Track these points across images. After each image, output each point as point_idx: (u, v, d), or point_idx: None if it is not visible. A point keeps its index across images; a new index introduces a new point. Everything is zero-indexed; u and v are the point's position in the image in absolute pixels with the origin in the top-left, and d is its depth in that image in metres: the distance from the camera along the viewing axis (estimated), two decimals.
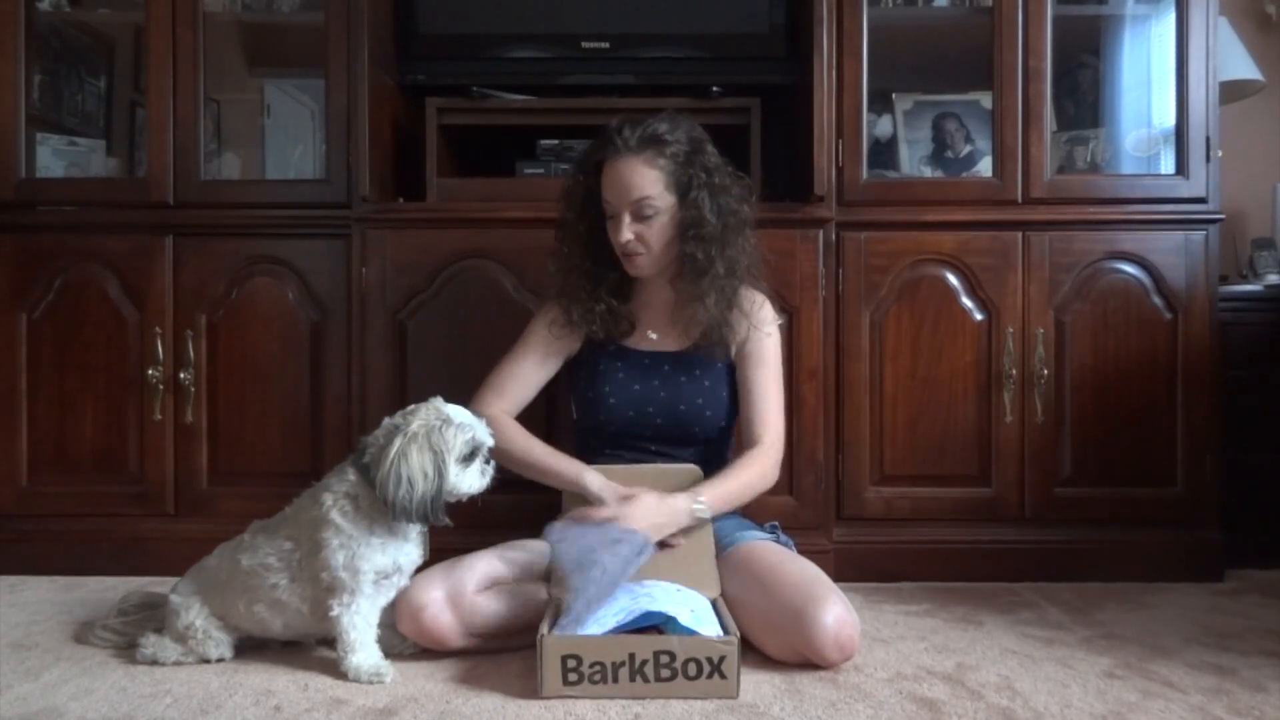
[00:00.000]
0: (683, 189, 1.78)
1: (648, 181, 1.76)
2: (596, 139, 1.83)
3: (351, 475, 1.58)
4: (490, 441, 1.62)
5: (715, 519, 1.76)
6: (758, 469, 1.80)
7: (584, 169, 1.85)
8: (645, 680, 1.45)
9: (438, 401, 1.61)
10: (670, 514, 1.68)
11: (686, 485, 1.75)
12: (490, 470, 1.62)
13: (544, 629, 1.49)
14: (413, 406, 1.61)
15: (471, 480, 1.59)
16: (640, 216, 1.77)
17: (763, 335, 1.85)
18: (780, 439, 1.86)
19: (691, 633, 1.47)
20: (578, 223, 1.86)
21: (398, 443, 1.54)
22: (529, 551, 1.77)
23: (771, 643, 1.62)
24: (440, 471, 1.54)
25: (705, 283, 1.78)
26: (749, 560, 1.71)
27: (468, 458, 1.58)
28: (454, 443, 1.56)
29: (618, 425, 1.84)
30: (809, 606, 1.56)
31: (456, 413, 1.60)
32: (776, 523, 1.94)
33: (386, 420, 1.60)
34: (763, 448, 1.81)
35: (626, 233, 1.77)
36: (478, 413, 1.78)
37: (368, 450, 1.58)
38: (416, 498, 1.52)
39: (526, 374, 1.89)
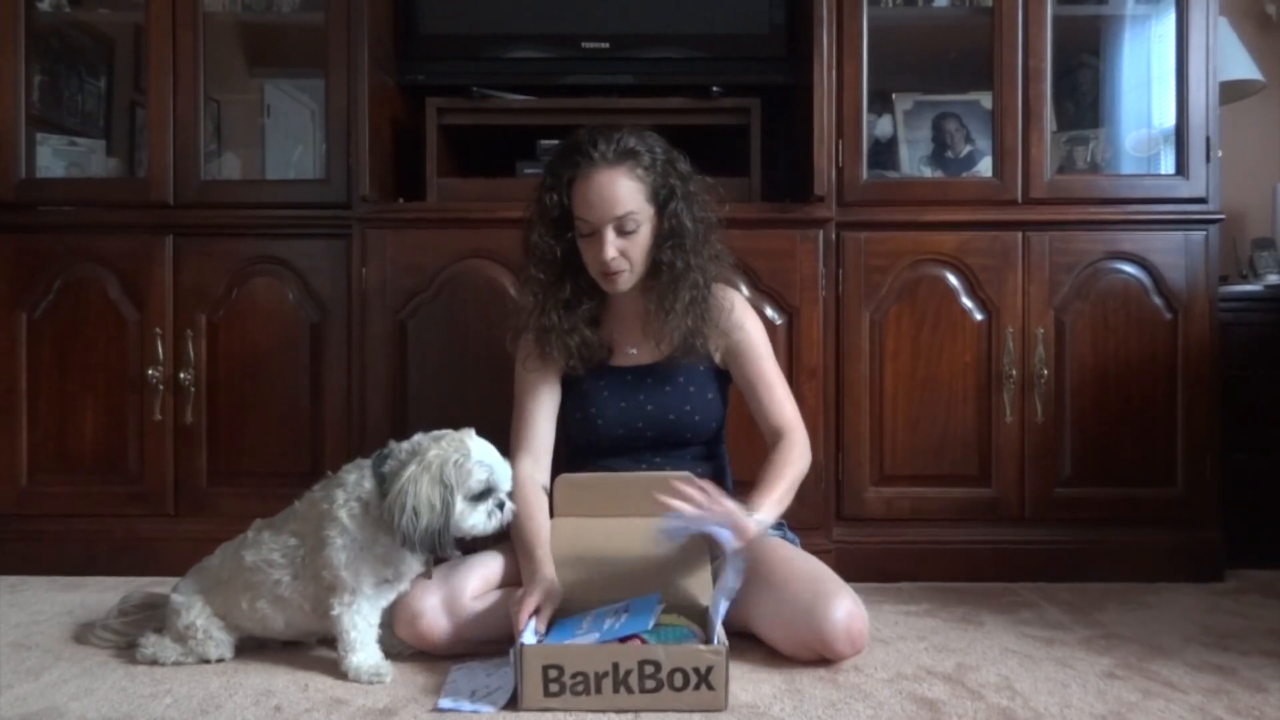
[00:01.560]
0: (662, 200, 1.73)
1: (629, 194, 1.69)
2: (564, 153, 1.75)
3: (368, 482, 1.57)
4: (506, 486, 1.59)
5: None
6: (795, 458, 1.77)
7: (556, 186, 1.74)
8: (630, 691, 1.40)
9: (467, 433, 1.58)
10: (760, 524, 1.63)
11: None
12: (500, 515, 1.57)
13: (524, 638, 1.45)
14: (443, 432, 1.58)
15: (476, 520, 1.54)
16: (623, 231, 1.70)
17: (743, 334, 1.81)
18: (799, 420, 1.83)
19: (684, 636, 1.45)
20: (553, 245, 1.76)
21: (411, 469, 1.51)
22: None
23: (781, 638, 1.62)
24: (448, 505, 1.51)
25: (682, 290, 1.73)
26: (757, 557, 1.68)
27: (479, 496, 1.54)
28: (468, 479, 1.53)
29: (610, 442, 1.83)
30: (819, 601, 1.56)
31: (480, 449, 1.56)
32: (781, 520, 1.93)
33: (418, 436, 1.58)
34: (790, 436, 1.79)
35: (610, 249, 1.69)
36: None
37: (389, 459, 1.57)
38: (420, 529, 1.49)
39: (540, 418, 1.83)
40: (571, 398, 1.86)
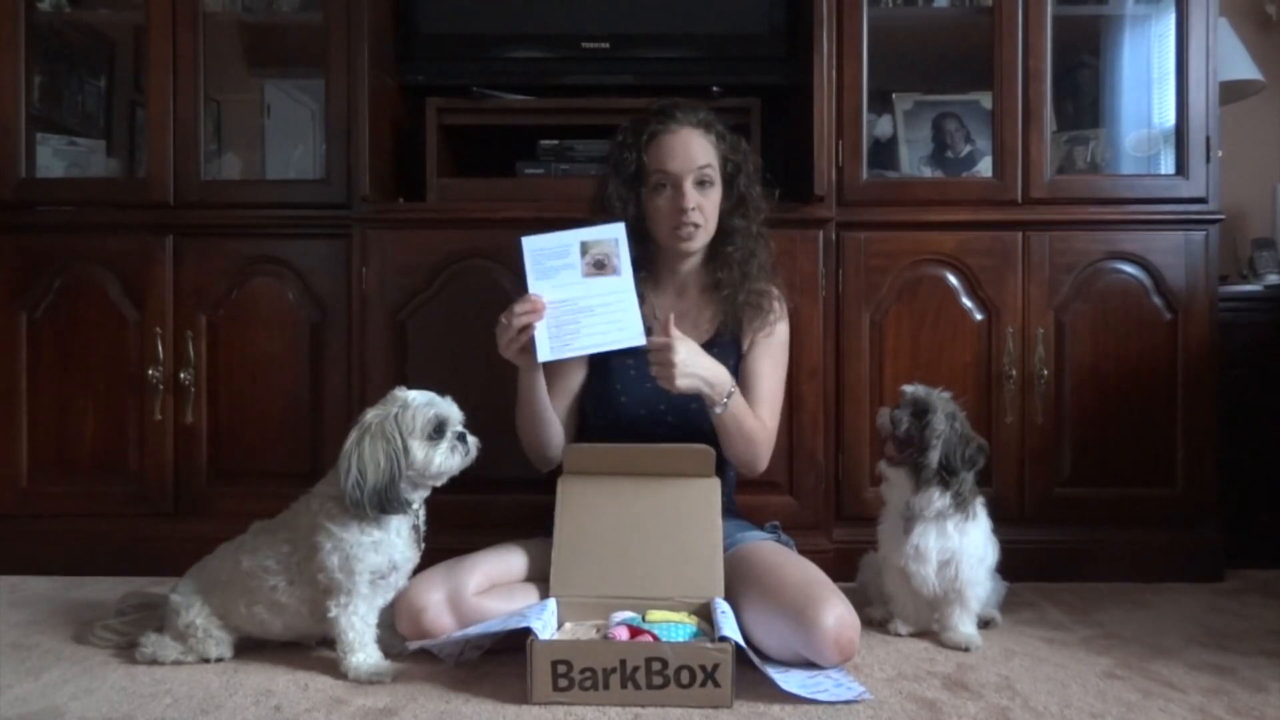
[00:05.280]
0: (730, 173, 1.84)
1: (708, 152, 1.80)
2: (642, 118, 1.84)
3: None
4: (456, 415, 1.61)
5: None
6: (765, 435, 1.82)
7: (634, 144, 1.82)
8: (637, 687, 1.42)
9: (398, 390, 1.61)
10: (713, 367, 1.69)
11: (700, 467, 1.71)
12: (466, 448, 1.60)
13: (537, 627, 1.47)
14: (383, 399, 1.61)
15: (440, 458, 1.57)
16: (702, 183, 1.79)
17: (772, 330, 1.87)
18: (774, 431, 1.86)
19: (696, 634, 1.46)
20: (625, 200, 1.82)
21: (351, 436, 1.56)
22: (529, 552, 1.76)
23: (771, 643, 1.61)
24: (395, 459, 1.53)
25: (752, 260, 1.83)
26: (749, 561, 1.70)
27: (434, 435, 1.57)
28: (414, 423, 1.55)
29: (628, 423, 1.82)
30: (809, 608, 1.55)
31: (416, 395, 1.59)
32: (777, 523, 1.93)
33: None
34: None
35: (691, 197, 1.77)
36: None
37: None
38: (367, 488, 1.52)
39: (559, 396, 1.85)
40: (596, 373, 1.87)
